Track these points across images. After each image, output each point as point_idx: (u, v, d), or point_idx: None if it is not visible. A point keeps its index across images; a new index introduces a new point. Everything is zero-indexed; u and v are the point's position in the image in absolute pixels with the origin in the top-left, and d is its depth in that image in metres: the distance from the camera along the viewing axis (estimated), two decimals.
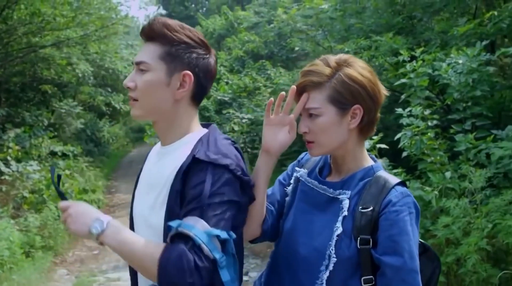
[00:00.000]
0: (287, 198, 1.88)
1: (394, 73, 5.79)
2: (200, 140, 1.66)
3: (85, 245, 8.40)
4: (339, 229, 1.64)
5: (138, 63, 1.66)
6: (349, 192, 1.69)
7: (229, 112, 11.24)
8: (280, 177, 1.99)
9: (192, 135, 1.70)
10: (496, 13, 5.20)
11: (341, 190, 1.71)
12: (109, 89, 19.39)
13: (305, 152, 1.98)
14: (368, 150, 1.90)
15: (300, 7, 8.44)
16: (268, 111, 1.78)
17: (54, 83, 14.63)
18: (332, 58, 1.72)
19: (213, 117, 11.66)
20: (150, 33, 1.66)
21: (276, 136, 1.76)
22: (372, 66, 1.80)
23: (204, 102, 11.17)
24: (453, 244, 4.09)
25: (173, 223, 1.49)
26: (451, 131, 4.80)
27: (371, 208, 1.62)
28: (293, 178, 1.90)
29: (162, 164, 1.70)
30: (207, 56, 1.69)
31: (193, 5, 28.73)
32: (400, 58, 5.27)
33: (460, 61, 4.79)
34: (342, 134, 1.70)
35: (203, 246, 1.45)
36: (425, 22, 7.24)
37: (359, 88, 1.67)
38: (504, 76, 6.13)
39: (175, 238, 1.49)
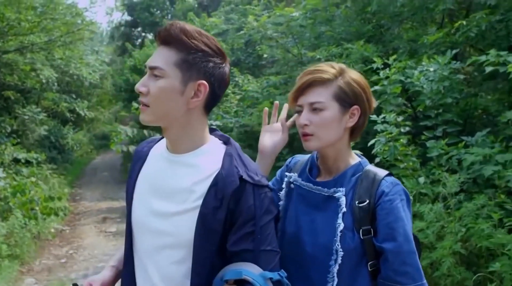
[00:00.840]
0: (281, 202, 1.95)
1: None
2: (230, 155, 1.67)
3: (51, 253, 8.26)
4: (341, 225, 1.74)
5: (152, 68, 1.60)
6: (343, 188, 1.80)
7: None
8: (269, 183, 2.03)
9: (208, 146, 1.70)
10: (464, 22, 5.34)
11: (335, 188, 1.81)
12: (74, 96, 19.19)
13: (291, 157, 2.09)
14: None
15: (271, 15, 8.46)
16: (265, 120, 2.06)
17: (17, 89, 14.38)
18: (334, 63, 1.87)
19: None
20: (167, 38, 1.60)
21: (271, 139, 2.01)
22: None
23: None
24: (427, 248, 4.17)
25: (232, 275, 1.55)
26: (423, 137, 4.89)
27: (367, 201, 1.75)
28: (284, 182, 1.98)
29: (176, 173, 1.68)
30: (223, 65, 1.65)
31: (158, 12, 28.45)
32: (374, 65, 5.34)
33: (432, 69, 4.89)
34: (339, 131, 1.82)
35: None
36: (393, 30, 7.35)
37: (360, 90, 1.82)
38: (469, 85, 6.28)
39: (240, 283, 1.55)
